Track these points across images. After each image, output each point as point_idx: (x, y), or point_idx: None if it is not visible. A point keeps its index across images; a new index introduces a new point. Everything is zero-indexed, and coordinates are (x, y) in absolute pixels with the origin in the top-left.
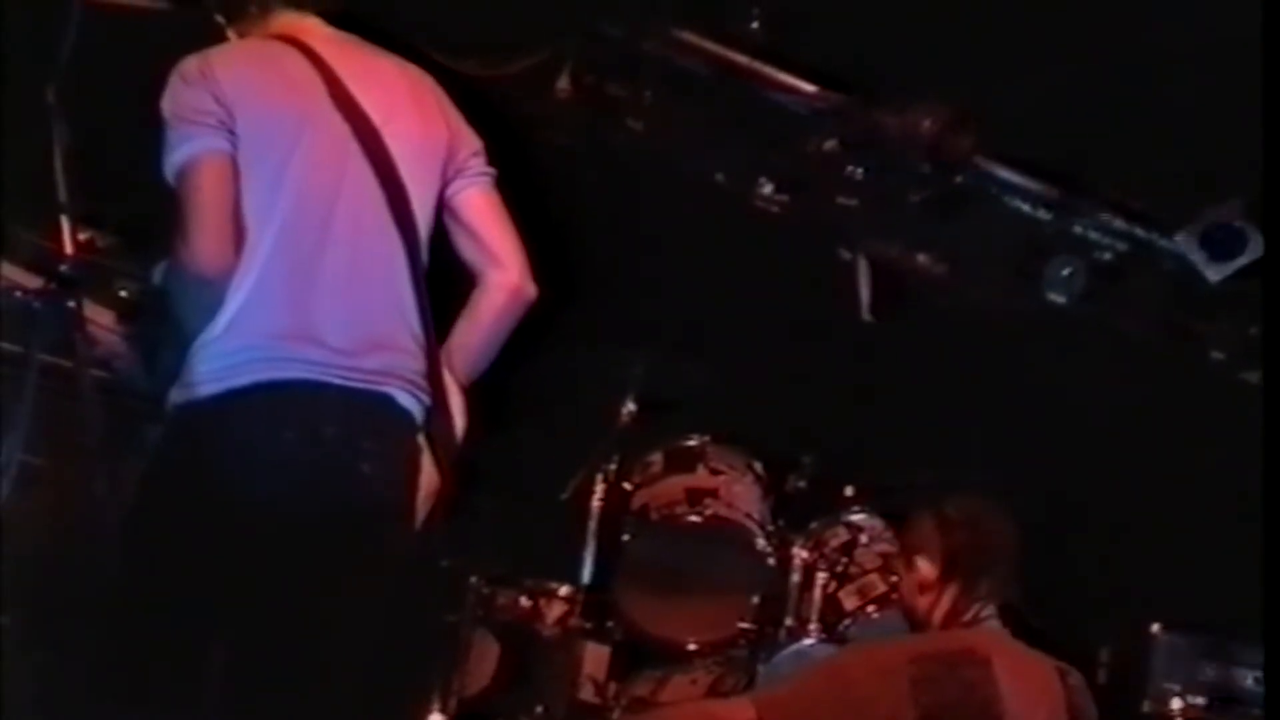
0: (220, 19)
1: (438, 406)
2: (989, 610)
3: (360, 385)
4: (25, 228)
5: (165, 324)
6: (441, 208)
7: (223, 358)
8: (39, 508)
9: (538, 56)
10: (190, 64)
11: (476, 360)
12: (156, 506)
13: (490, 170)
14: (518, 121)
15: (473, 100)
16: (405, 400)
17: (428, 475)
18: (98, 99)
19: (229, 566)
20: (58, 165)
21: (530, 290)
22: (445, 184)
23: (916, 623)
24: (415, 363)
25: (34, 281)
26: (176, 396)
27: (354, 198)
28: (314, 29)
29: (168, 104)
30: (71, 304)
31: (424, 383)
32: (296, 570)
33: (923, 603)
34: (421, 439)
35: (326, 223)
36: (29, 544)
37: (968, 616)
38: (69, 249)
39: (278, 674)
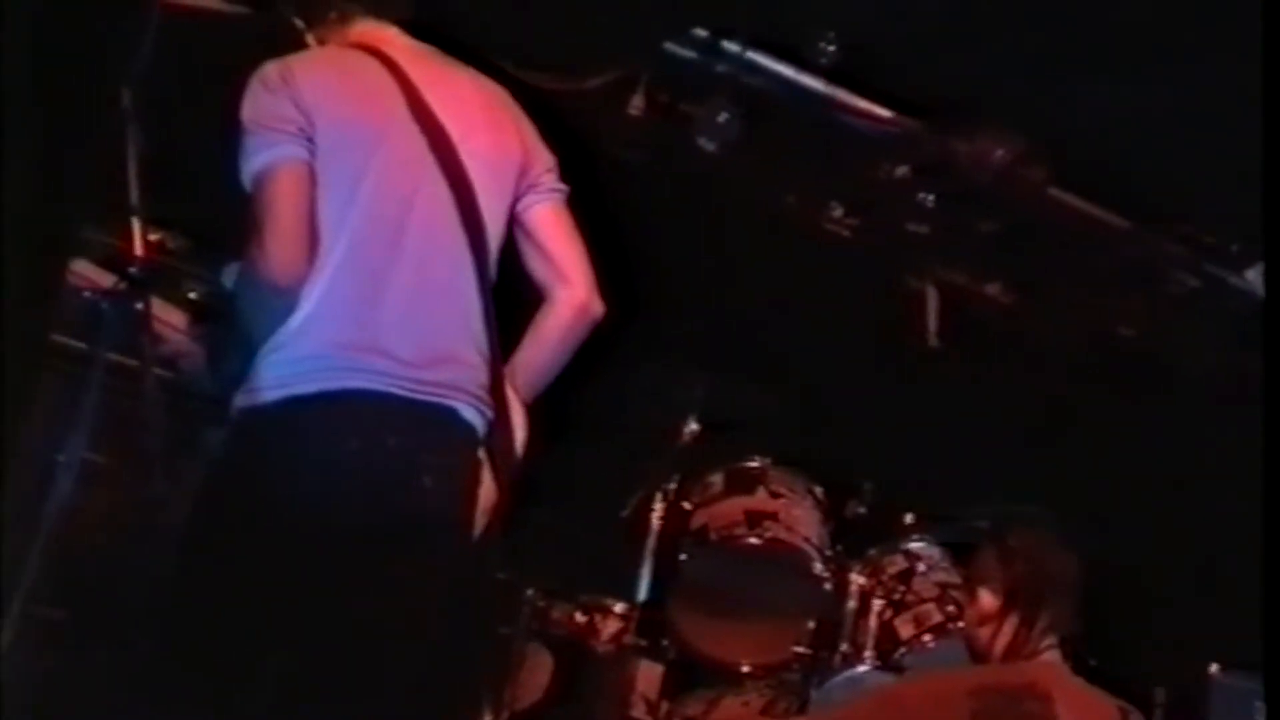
0: (299, 23)
1: (499, 421)
2: (1049, 642)
3: (424, 398)
4: (97, 228)
5: (232, 327)
6: (512, 222)
7: (289, 365)
8: (101, 506)
9: (613, 73)
10: (271, 71)
11: (540, 376)
12: (217, 510)
13: (562, 187)
14: (590, 137)
15: (545, 115)
16: (469, 414)
17: (486, 489)
18: (173, 102)
19: (286, 572)
20: (131, 167)
21: (597, 308)
22: (517, 199)
23: (978, 653)
24: (480, 376)
25: (106, 279)
26: (241, 401)
27: (427, 210)
28: (394, 39)
29: (248, 110)
30: (139, 305)
31: (488, 397)
32: (353, 579)
33: (984, 634)
34: (482, 453)
35: (398, 234)
36: (90, 541)
37: (1029, 649)
38: (139, 250)
39: (330, 682)
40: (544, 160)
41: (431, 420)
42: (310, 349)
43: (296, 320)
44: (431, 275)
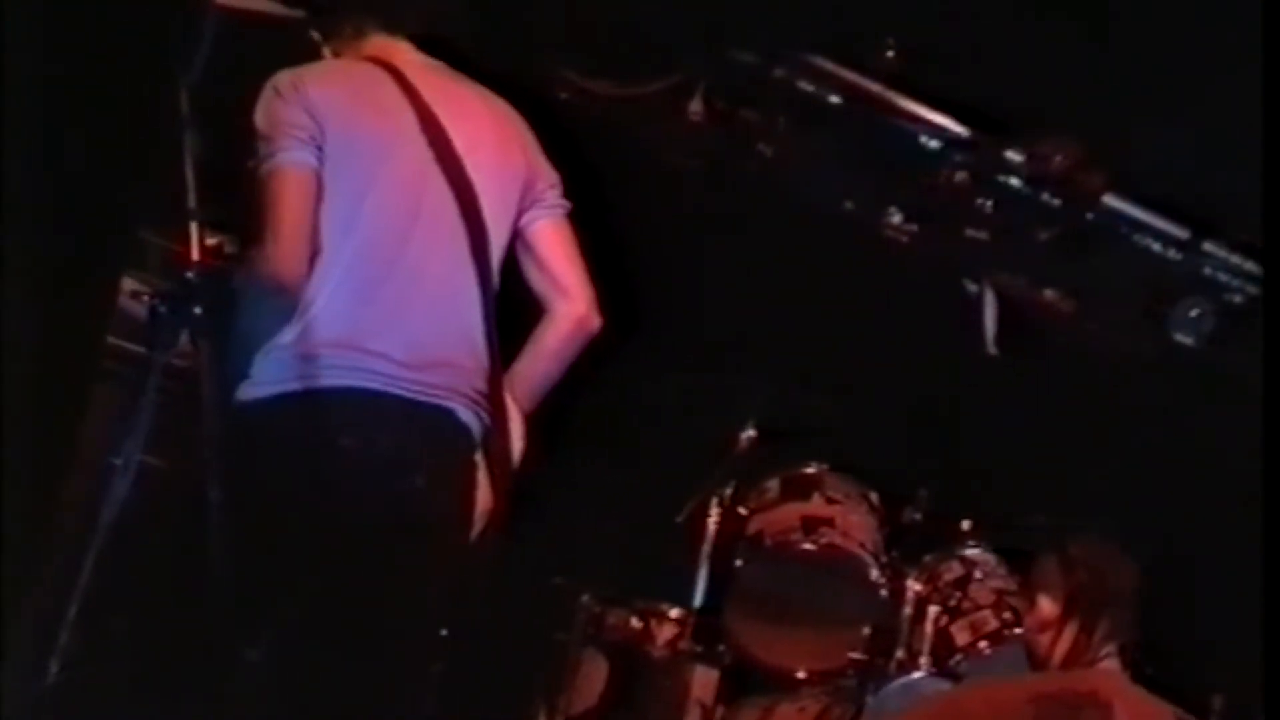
0: (316, 36)
1: (497, 428)
2: (1108, 651)
3: (420, 398)
4: (154, 233)
5: (235, 327)
6: (514, 236)
7: (286, 362)
8: (157, 508)
9: (671, 79)
10: (284, 79)
11: (538, 387)
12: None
13: (564, 203)
14: (649, 143)
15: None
16: (465, 416)
17: (482, 494)
18: (230, 105)
19: (277, 566)
20: (188, 171)
21: (595, 322)
22: (520, 213)
23: (1037, 660)
24: (477, 381)
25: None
26: (242, 394)
27: (432, 221)
28: (405, 54)
29: (261, 117)
30: (197, 310)
31: (485, 401)
32: (344, 575)
33: (1043, 641)
34: (479, 457)
35: (402, 243)
36: (147, 544)
37: (1088, 657)
38: (196, 254)
39: (316, 675)
40: (547, 177)
41: (426, 420)
42: (307, 348)
43: (297, 319)
44: (432, 283)
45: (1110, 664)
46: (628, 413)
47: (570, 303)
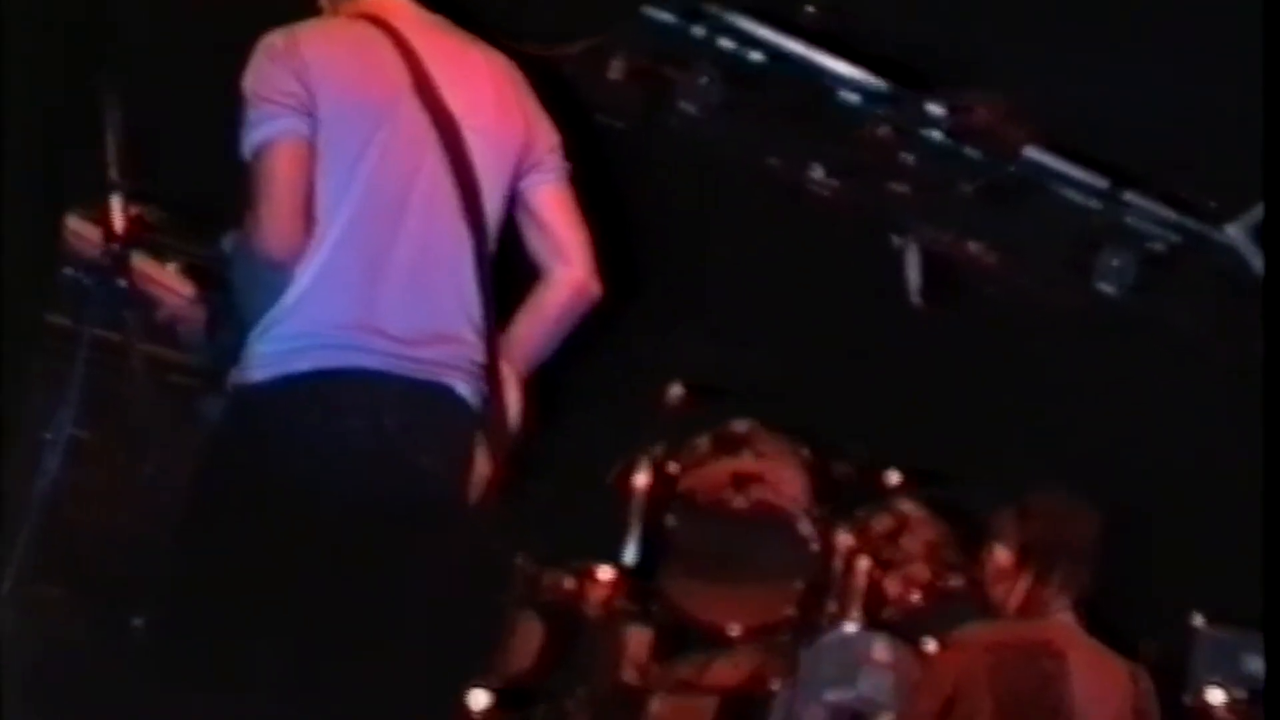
0: None
1: (494, 397)
2: (1063, 603)
3: (421, 376)
4: (77, 205)
5: (228, 294)
6: (514, 199)
7: (284, 341)
8: (87, 482)
9: (595, 39)
10: (276, 42)
11: (535, 353)
12: (214, 488)
13: (565, 165)
14: (576, 103)
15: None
16: (464, 390)
17: (480, 463)
18: (149, 74)
19: (283, 551)
20: (110, 144)
21: (595, 288)
22: (519, 177)
23: (993, 610)
24: (476, 353)
25: (98, 236)
26: (237, 378)
27: (428, 190)
28: (403, 9)
29: (250, 80)
30: (122, 283)
31: (483, 373)
32: (349, 559)
33: (998, 591)
34: (478, 430)
35: (398, 212)
36: (77, 517)
37: (1041, 607)
38: (119, 226)
39: (326, 658)
40: (548, 139)
41: (428, 398)
42: (306, 326)
43: (292, 296)
44: (430, 253)
45: (1065, 616)
46: (555, 373)
47: (569, 268)
